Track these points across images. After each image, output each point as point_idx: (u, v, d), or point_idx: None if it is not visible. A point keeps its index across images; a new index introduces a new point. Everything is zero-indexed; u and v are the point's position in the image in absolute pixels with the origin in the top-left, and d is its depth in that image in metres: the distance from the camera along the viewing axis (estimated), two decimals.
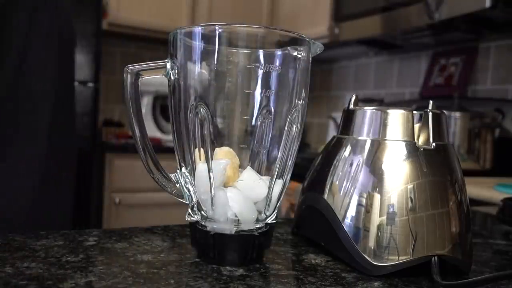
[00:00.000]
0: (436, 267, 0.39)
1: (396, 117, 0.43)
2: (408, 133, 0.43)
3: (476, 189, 1.04)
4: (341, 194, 0.43)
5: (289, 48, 0.40)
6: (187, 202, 0.42)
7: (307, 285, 0.36)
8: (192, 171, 0.41)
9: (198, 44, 0.39)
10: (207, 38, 0.39)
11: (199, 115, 0.39)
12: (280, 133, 0.41)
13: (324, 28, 2.06)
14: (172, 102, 0.41)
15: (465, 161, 1.41)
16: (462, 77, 1.75)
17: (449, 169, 0.43)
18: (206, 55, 0.39)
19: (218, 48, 0.38)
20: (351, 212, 0.42)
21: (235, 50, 0.38)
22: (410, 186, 0.41)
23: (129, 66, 0.40)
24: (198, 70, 0.39)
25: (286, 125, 0.41)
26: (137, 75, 0.40)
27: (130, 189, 2.03)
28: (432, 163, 0.42)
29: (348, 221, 0.42)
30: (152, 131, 2.23)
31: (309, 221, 0.49)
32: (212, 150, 0.39)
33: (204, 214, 0.41)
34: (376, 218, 0.41)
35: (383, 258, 0.40)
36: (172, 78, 0.40)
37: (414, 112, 0.44)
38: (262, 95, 0.39)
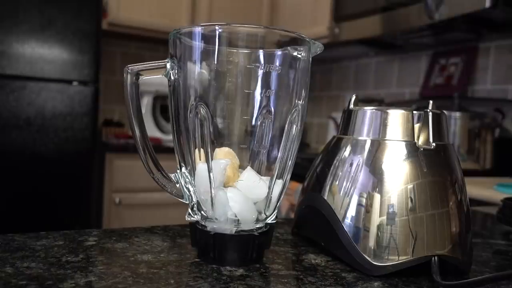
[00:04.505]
0: (436, 267, 0.39)
1: (396, 117, 0.43)
2: (408, 133, 0.43)
3: (476, 189, 1.04)
4: (341, 194, 0.43)
5: (289, 48, 0.40)
6: (187, 202, 0.42)
7: (307, 285, 0.36)
8: (192, 171, 0.41)
9: (198, 44, 0.39)
10: (207, 38, 0.39)
11: (199, 115, 0.39)
12: (280, 133, 0.41)
13: (324, 28, 2.06)
14: (172, 102, 0.41)
15: (465, 161, 1.41)
16: (462, 77, 1.75)
17: (449, 169, 0.43)
18: (206, 55, 0.39)
19: (218, 48, 0.38)
20: (351, 212, 0.42)
21: (235, 50, 0.38)
22: (410, 186, 0.41)
23: (129, 66, 0.40)
24: (198, 70, 0.39)
25: (286, 125, 0.41)
26: (137, 75, 0.40)
27: (130, 189, 2.03)
28: (432, 163, 0.42)
29: (348, 221, 0.42)
30: (152, 131, 2.23)
31: (309, 221, 0.49)
32: (212, 150, 0.39)
33: (204, 214, 0.41)
34: (376, 218, 0.41)
35: (383, 258, 0.40)
36: (172, 78, 0.40)
37: (414, 112, 0.44)
38: (262, 95, 0.39)
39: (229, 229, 0.40)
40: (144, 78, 0.40)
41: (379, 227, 0.40)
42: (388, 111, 0.44)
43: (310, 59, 0.42)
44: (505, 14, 1.35)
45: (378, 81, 2.22)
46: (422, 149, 0.42)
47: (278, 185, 0.41)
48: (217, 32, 0.38)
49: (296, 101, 0.41)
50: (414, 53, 2.02)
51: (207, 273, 0.38)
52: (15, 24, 1.72)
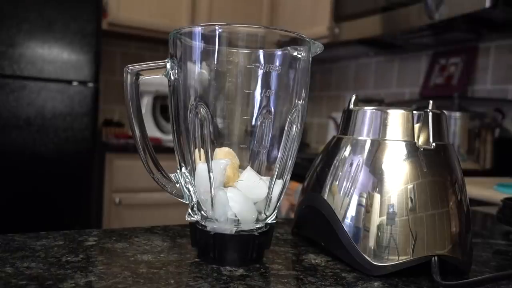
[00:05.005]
0: (436, 267, 0.39)
1: (396, 117, 0.43)
2: (408, 133, 0.43)
3: (476, 189, 1.04)
4: (341, 194, 0.43)
5: (289, 48, 0.40)
6: (187, 202, 0.42)
7: (307, 285, 0.36)
8: (192, 171, 0.41)
9: (198, 44, 0.39)
10: (207, 38, 0.39)
11: (199, 115, 0.39)
12: (280, 133, 0.41)
13: (324, 28, 2.06)
14: (172, 102, 0.41)
15: (465, 161, 1.41)
16: (462, 77, 1.75)
17: (449, 169, 0.43)
18: (206, 55, 0.39)
19: (218, 48, 0.38)
20: (351, 212, 0.42)
21: (235, 50, 0.38)
22: (410, 186, 0.41)
23: (129, 66, 0.40)
24: (198, 70, 0.39)
25: (286, 125, 0.41)
26: (137, 75, 0.40)
27: (130, 189, 2.03)
28: (432, 163, 0.42)
29: (348, 221, 0.42)
30: (152, 131, 2.23)
31: (309, 221, 0.49)
32: (212, 150, 0.39)
33: (204, 214, 0.41)
34: (376, 218, 0.41)
35: (383, 258, 0.40)
36: (172, 78, 0.40)
37: (414, 112, 0.44)
38: (262, 95, 0.39)
39: (229, 229, 0.40)
40: (144, 78, 0.40)
41: (379, 227, 0.40)
42: (388, 111, 0.44)
43: (310, 59, 0.42)
44: (505, 14, 1.35)
45: (378, 81, 2.22)
46: (422, 149, 0.42)
47: (278, 185, 0.41)
48: (217, 32, 0.38)
49: (296, 101, 0.41)
50: (414, 53, 2.02)
51: (207, 273, 0.38)
52: (16, 24, 1.72)
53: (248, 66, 0.39)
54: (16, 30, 1.72)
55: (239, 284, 0.35)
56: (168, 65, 0.40)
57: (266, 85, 0.39)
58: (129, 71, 0.40)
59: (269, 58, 0.39)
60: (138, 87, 0.40)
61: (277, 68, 0.39)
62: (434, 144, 0.43)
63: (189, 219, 0.42)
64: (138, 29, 2.26)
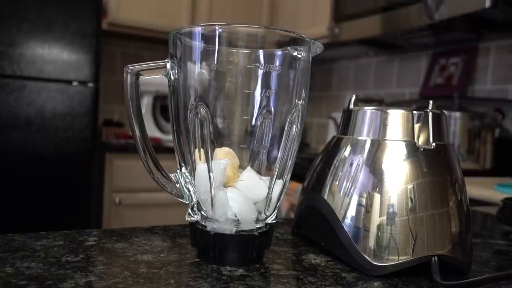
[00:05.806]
0: (436, 267, 0.39)
1: (396, 117, 0.43)
2: (408, 133, 0.43)
3: (476, 189, 1.04)
4: (341, 194, 0.43)
5: (289, 48, 0.40)
6: (187, 202, 0.42)
7: (307, 285, 0.36)
8: (192, 171, 0.41)
9: (198, 44, 0.39)
10: (207, 38, 0.39)
11: (199, 115, 0.39)
12: (280, 133, 0.41)
13: (324, 28, 2.06)
14: (172, 102, 0.41)
15: (465, 161, 1.41)
16: (462, 77, 1.75)
17: (449, 169, 0.43)
18: (206, 55, 0.39)
19: (218, 48, 0.38)
20: (351, 212, 0.42)
21: (235, 50, 0.38)
22: (410, 186, 0.41)
23: (129, 66, 0.40)
24: (198, 70, 0.39)
25: (286, 125, 0.41)
26: (137, 75, 0.40)
27: (130, 189, 2.03)
28: (432, 163, 0.42)
29: (348, 221, 0.42)
30: (152, 131, 2.23)
31: (309, 221, 0.49)
32: (212, 150, 0.39)
33: (204, 214, 0.41)
34: (376, 218, 0.41)
35: (383, 258, 0.40)
36: (172, 78, 0.40)
37: (414, 112, 0.44)
38: (262, 95, 0.39)
39: (229, 229, 0.40)
40: (144, 78, 0.40)
41: (379, 227, 0.40)
42: (388, 111, 0.44)
43: (310, 59, 0.42)
44: (505, 14, 1.35)
45: (378, 81, 2.22)
46: (422, 149, 0.42)
47: (278, 185, 0.41)
48: (217, 32, 0.38)
49: (296, 101, 0.41)
50: (414, 53, 2.02)
51: (207, 273, 0.38)
52: (16, 24, 1.72)
53: (248, 66, 0.39)
54: (16, 30, 1.72)
55: (239, 284, 0.35)
56: (168, 65, 0.40)
57: (266, 85, 0.39)
58: (129, 71, 0.40)
59: (269, 58, 0.39)
60: (138, 87, 0.40)
61: (277, 68, 0.39)
62: (434, 144, 0.43)
63: (189, 219, 0.42)
64: (138, 29, 2.26)
